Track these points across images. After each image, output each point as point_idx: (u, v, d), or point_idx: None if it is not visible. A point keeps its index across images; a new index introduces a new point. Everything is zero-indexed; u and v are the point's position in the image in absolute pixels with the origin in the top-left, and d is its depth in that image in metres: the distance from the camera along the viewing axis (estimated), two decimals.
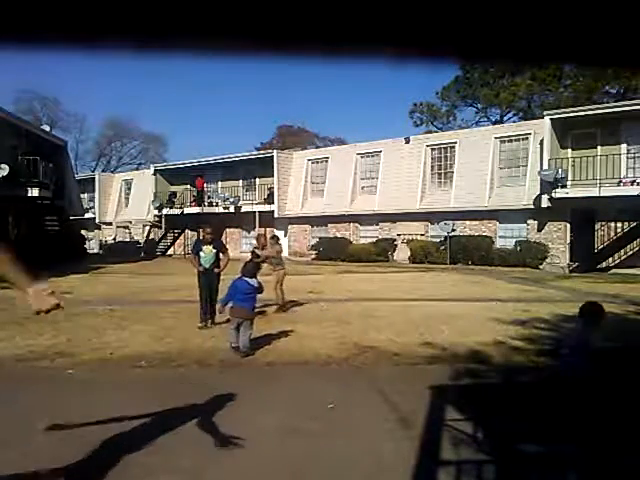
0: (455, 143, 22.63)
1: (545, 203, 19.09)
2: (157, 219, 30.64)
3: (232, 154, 28.49)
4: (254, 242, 10.84)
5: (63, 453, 3.14)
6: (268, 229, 22.19)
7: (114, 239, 33.70)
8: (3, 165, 18.47)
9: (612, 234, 19.11)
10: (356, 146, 25.56)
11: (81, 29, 0.22)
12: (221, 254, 7.93)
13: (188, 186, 29.78)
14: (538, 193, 19.45)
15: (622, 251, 18.94)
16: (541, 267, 19.43)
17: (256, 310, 6.49)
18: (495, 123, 33.81)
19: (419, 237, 22.77)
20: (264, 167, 26.33)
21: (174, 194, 30.31)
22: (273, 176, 25.94)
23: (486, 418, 3.80)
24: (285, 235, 25.48)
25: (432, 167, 23.23)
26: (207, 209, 27.85)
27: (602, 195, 17.77)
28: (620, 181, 18.08)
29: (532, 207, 19.84)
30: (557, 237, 19.83)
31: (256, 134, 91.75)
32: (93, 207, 34.22)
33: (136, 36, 0.23)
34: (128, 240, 33.14)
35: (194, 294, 7.92)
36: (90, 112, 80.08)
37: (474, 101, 37.45)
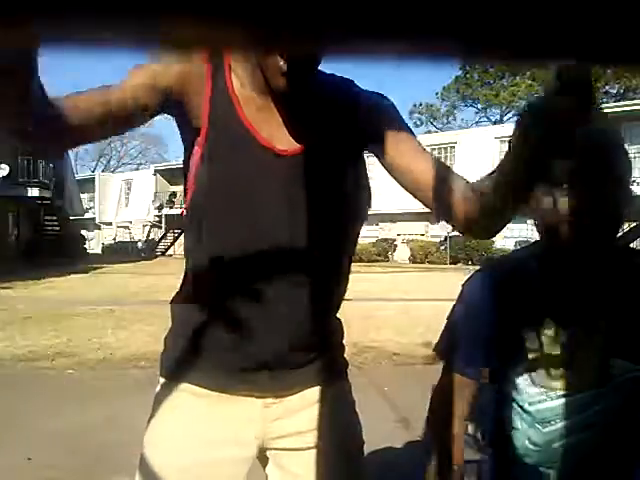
0: (455, 143, 22.67)
1: None
2: (157, 219, 30.68)
3: None
4: None
5: (62, 452, 3.15)
6: None
7: (114, 239, 33.74)
8: (3, 165, 18.50)
9: None
10: None
11: (79, 24, 0.18)
12: None
13: None
14: None
15: None
16: None
17: None
18: (495, 123, 33.84)
19: (419, 237, 22.80)
20: None
21: (174, 194, 30.35)
22: None
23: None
24: None
25: None
26: None
27: None
28: None
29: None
30: None
31: None
32: (93, 207, 34.28)
33: (137, 33, 0.19)
34: (128, 240, 33.18)
35: None
36: None
37: (474, 101, 37.48)
